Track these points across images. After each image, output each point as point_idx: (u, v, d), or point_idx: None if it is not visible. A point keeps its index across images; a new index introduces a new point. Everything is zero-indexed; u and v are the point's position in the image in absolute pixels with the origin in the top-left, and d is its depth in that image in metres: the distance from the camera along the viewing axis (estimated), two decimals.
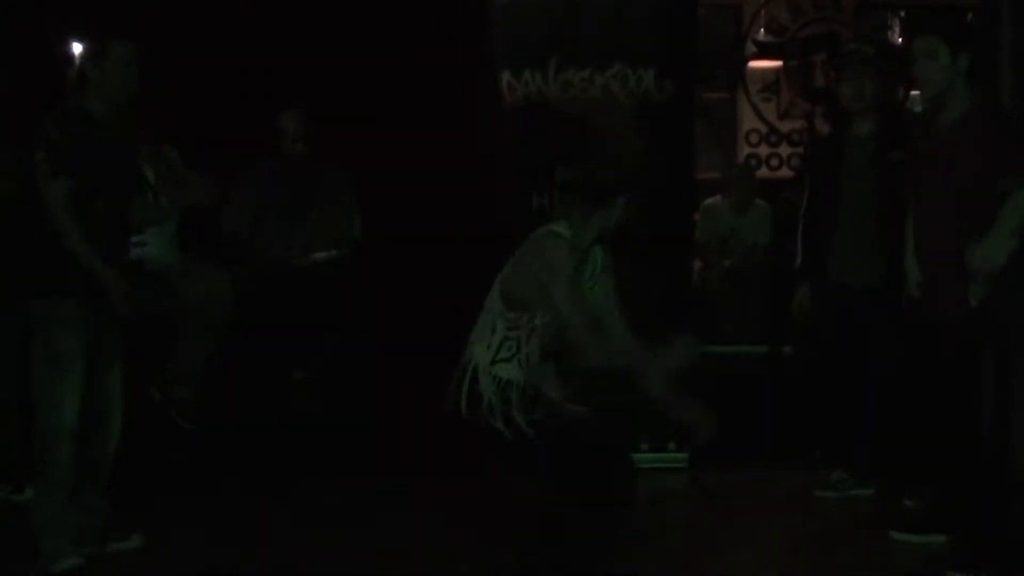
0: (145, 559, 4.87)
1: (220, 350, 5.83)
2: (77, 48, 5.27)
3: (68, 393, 4.59)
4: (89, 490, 4.76)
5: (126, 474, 5.02)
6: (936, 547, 4.82)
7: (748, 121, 9.13)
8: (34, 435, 4.64)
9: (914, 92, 5.49)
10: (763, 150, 9.11)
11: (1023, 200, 4.48)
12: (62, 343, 4.58)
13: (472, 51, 6.35)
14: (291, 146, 6.38)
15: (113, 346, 4.78)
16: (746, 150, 9.10)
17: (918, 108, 6.03)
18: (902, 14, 8.66)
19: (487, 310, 4.16)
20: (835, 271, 5.66)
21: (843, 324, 5.66)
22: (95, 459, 4.77)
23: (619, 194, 4.16)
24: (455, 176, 6.37)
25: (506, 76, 6.22)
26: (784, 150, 9.05)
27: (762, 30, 9.07)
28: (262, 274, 6.19)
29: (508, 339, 4.09)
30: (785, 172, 8.91)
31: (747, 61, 9.06)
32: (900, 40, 8.65)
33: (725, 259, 7.46)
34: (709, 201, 7.68)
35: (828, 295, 5.72)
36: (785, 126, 9.09)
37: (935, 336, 4.75)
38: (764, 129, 9.10)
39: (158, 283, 5.79)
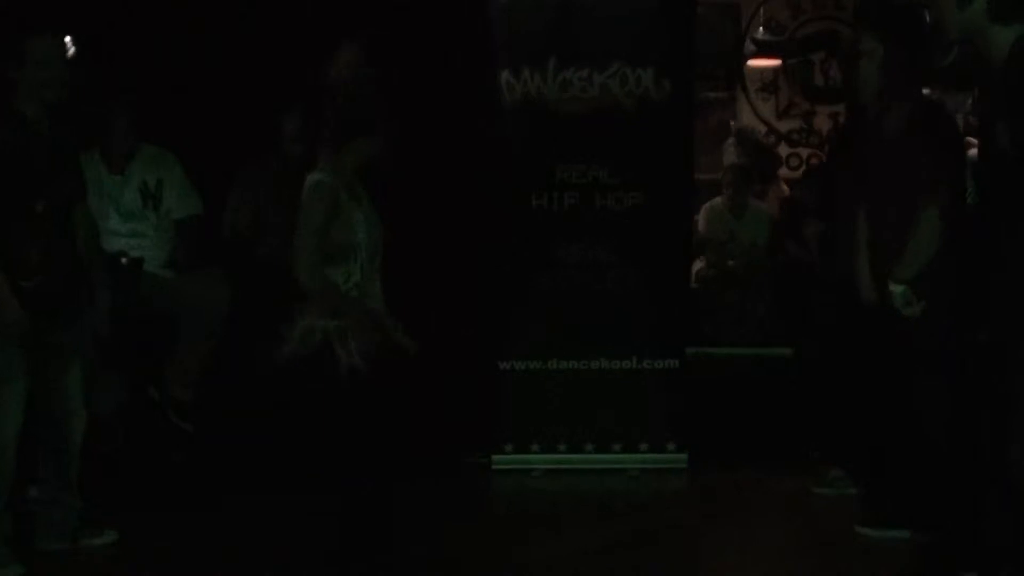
0: (117, 555, 4.85)
1: (218, 350, 5.82)
2: None
3: (8, 415, 4.42)
4: (56, 487, 4.73)
5: (114, 472, 4.99)
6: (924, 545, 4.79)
7: (747, 120, 9.12)
8: None
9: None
10: None
11: (931, 223, 4.41)
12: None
13: (472, 51, 6.34)
14: (290, 146, 6.37)
15: (67, 347, 4.65)
16: None
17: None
18: None
19: None
20: (845, 270, 5.63)
21: (850, 322, 5.63)
22: (60, 459, 4.71)
23: (366, 127, 4.22)
24: (454, 176, 6.36)
25: (505, 75, 6.23)
26: (783, 149, 9.05)
27: (761, 29, 9.07)
28: (260, 274, 6.17)
29: None
30: (784, 171, 8.90)
31: (746, 60, 9.06)
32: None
33: (728, 260, 7.45)
34: (710, 203, 7.69)
35: (838, 294, 5.69)
36: (784, 125, 9.09)
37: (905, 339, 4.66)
38: (763, 128, 9.09)
39: (157, 284, 5.80)
